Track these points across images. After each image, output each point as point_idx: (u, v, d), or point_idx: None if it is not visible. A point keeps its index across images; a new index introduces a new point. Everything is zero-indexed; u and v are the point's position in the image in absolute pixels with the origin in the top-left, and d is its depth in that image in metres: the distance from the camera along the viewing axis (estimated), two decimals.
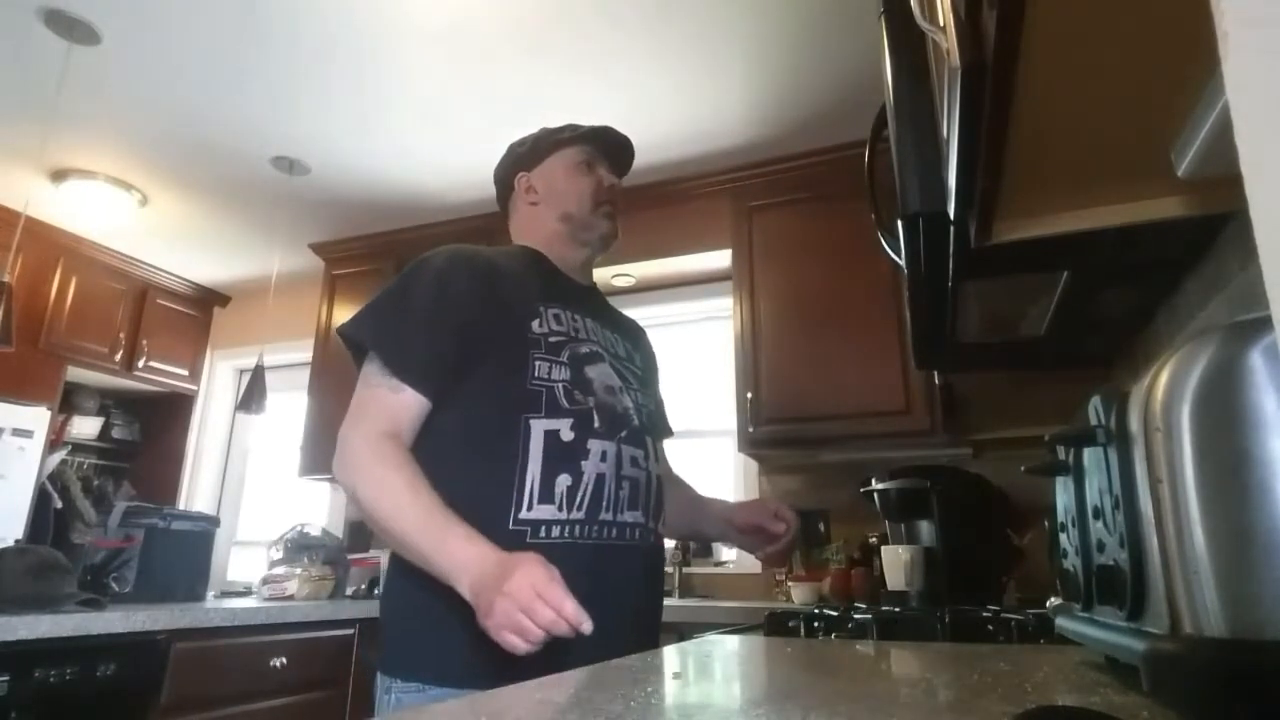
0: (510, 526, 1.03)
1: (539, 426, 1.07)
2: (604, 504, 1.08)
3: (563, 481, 1.06)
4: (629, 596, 1.11)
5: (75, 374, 3.71)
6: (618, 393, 1.16)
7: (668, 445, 1.41)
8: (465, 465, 1.03)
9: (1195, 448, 0.46)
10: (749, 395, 2.64)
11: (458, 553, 0.95)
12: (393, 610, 1.10)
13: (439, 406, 1.08)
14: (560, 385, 1.10)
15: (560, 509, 1.05)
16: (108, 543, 2.40)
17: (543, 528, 1.04)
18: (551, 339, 1.12)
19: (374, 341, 1.09)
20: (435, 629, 1.04)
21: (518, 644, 0.88)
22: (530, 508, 1.04)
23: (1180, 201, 0.82)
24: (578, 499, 1.06)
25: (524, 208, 1.32)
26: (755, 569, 2.83)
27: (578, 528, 1.06)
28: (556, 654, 0.91)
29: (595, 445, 1.09)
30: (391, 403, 1.06)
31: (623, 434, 1.13)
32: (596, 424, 1.10)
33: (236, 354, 4.29)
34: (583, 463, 1.08)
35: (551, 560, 1.03)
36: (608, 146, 1.33)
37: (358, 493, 1.03)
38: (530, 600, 0.88)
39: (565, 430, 1.08)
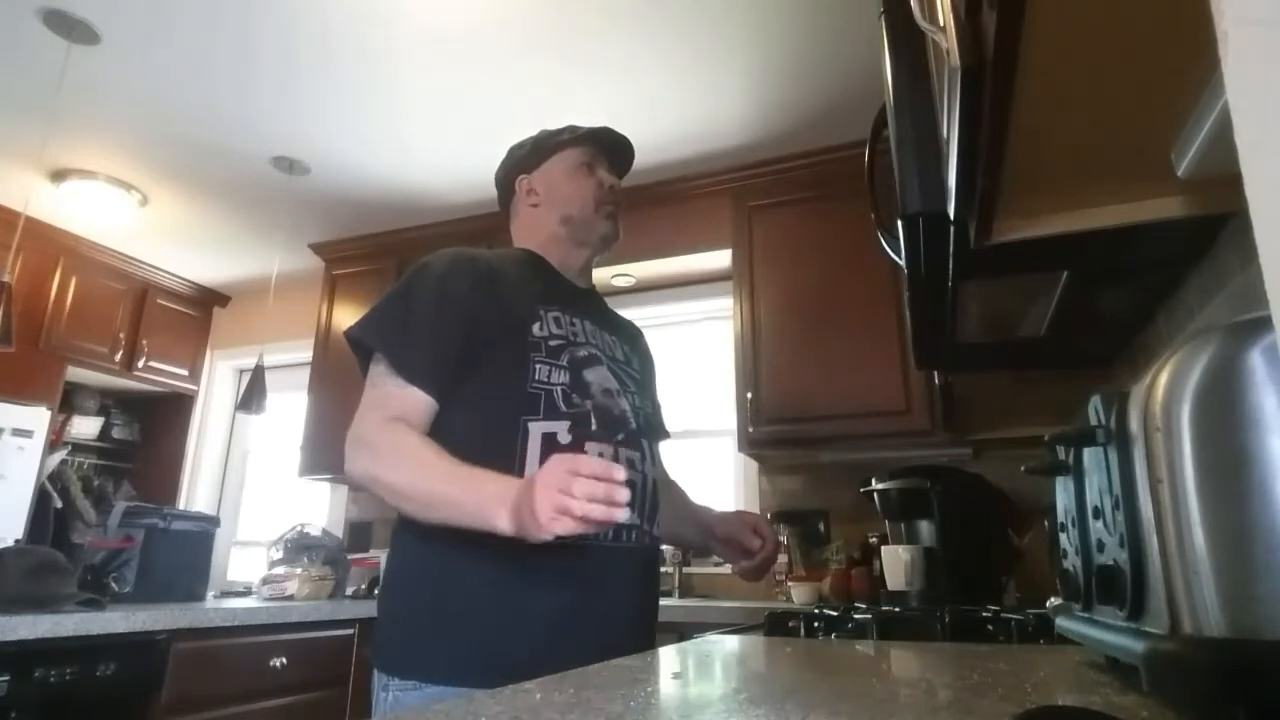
0: None
1: (537, 429, 1.07)
2: None
3: None
4: (625, 598, 1.11)
5: (75, 374, 3.71)
6: (615, 395, 1.16)
7: (663, 447, 1.41)
8: (471, 456, 1.03)
9: (1195, 448, 0.46)
10: (749, 395, 2.64)
11: (492, 488, 0.96)
12: (391, 608, 1.10)
13: (441, 408, 1.09)
14: (559, 388, 1.10)
15: None
16: (108, 543, 2.40)
17: None
18: (551, 342, 1.13)
19: (381, 344, 1.10)
20: (433, 627, 1.04)
21: (571, 525, 0.88)
22: None
23: (1180, 201, 0.82)
24: None
25: (525, 210, 1.32)
26: None
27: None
28: (555, 654, 0.91)
29: (592, 448, 1.09)
30: (400, 399, 1.06)
31: (619, 436, 1.13)
32: (594, 426, 1.10)
33: (236, 354, 4.29)
34: None
35: (548, 562, 1.04)
36: (607, 147, 1.34)
37: (376, 471, 1.03)
38: (565, 479, 0.88)
39: (563, 433, 1.08)
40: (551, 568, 1.04)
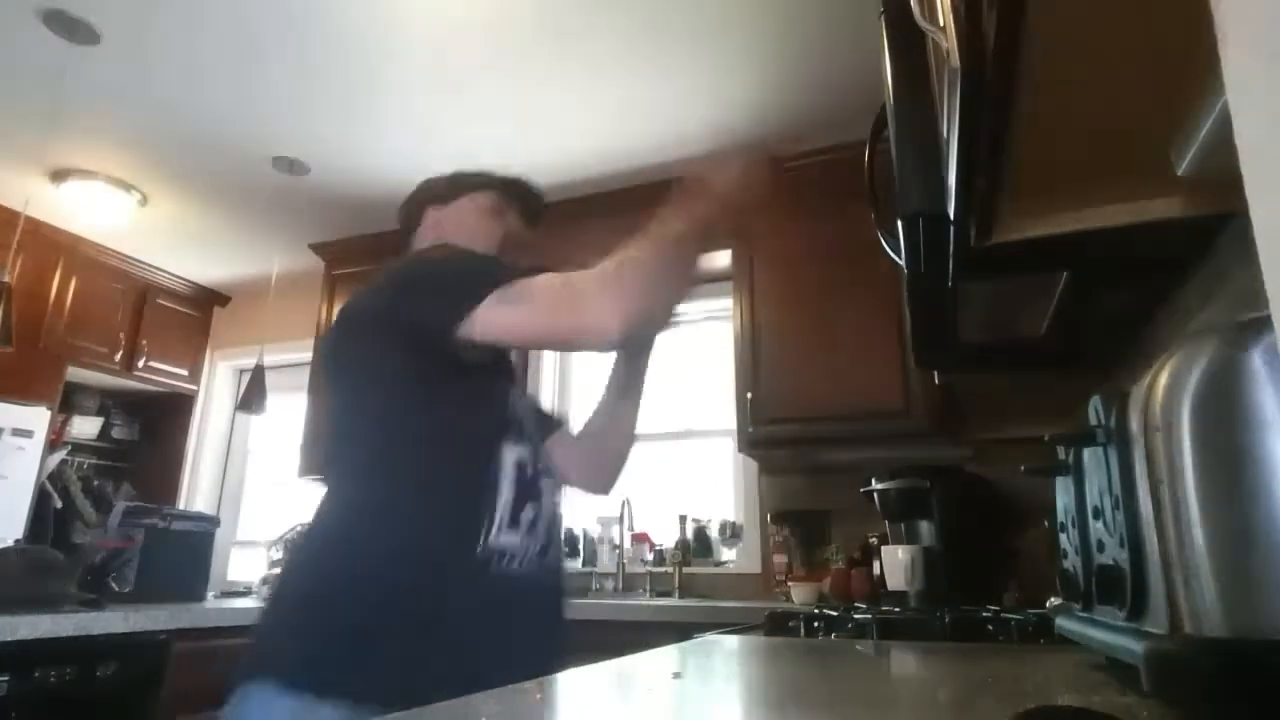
0: (479, 553, 0.98)
1: (510, 455, 1.05)
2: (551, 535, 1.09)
3: (529, 511, 1.04)
4: (533, 621, 1.06)
5: (75, 374, 3.71)
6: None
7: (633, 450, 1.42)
8: (445, 478, 1.01)
9: (1195, 448, 0.46)
10: (749, 395, 2.64)
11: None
12: (289, 615, 1.04)
13: (421, 409, 1.05)
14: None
15: (524, 538, 1.02)
16: (108, 543, 2.40)
17: (507, 557, 1.00)
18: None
19: (467, 292, 1.01)
20: (335, 643, 0.96)
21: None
22: (499, 533, 1.00)
23: (1180, 201, 0.82)
24: (538, 528, 1.05)
25: (428, 243, 1.31)
26: (755, 569, 2.83)
27: (536, 559, 1.04)
28: (460, 676, 0.78)
29: (513, 451, 1.07)
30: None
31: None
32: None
33: (236, 354, 4.29)
34: (542, 494, 1.08)
35: (514, 594, 1.01)
36: (519, 197, 1.35)
37: (629, 296, 0.96)
38: None
39: (527, 459, 1.08)
40: (460, 592, 0.97)
